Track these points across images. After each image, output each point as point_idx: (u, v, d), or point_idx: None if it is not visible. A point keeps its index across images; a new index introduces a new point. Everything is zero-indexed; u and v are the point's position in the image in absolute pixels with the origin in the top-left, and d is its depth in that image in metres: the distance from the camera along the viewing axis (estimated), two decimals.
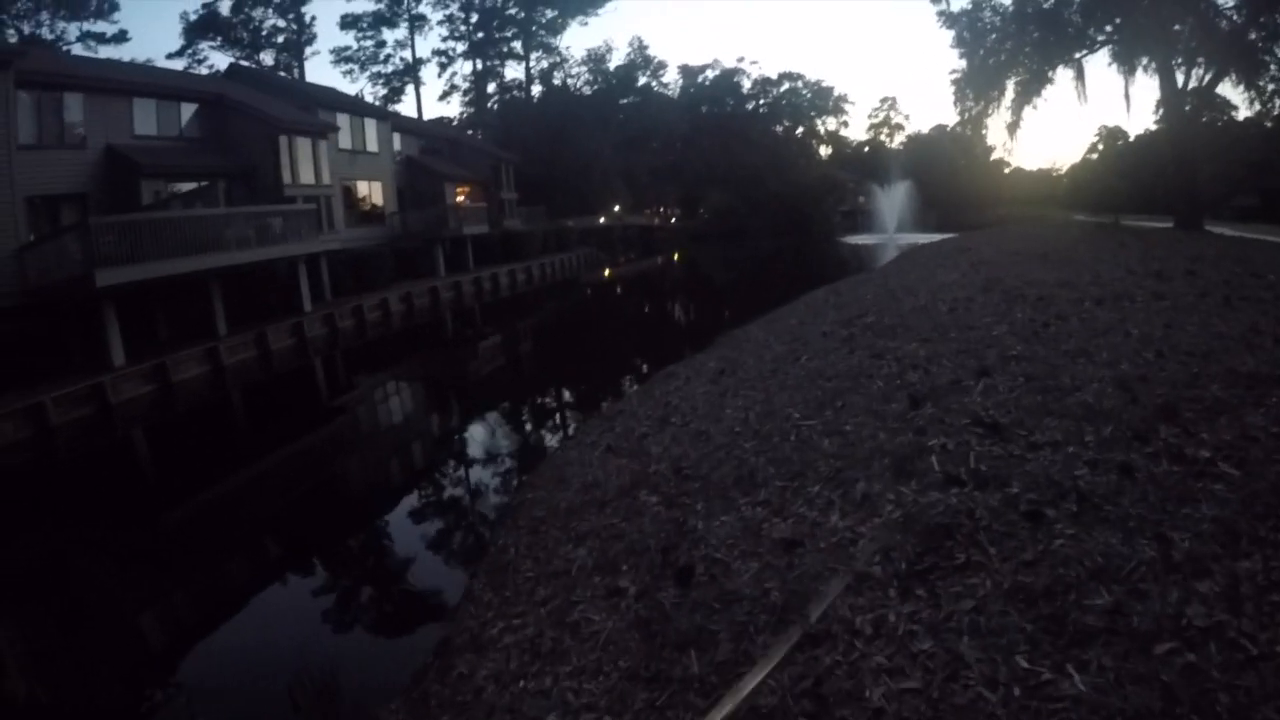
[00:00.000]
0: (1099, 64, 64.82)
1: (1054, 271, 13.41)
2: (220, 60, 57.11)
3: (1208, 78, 28.02)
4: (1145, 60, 29.66)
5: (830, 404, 6.52)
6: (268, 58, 61.97)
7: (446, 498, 10.17)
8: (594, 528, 5.53)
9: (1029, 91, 33.92)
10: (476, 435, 13.56)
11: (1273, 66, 27.05)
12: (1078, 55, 31.83)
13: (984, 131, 37.12)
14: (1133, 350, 6.94)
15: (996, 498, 4.26)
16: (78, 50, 48.65)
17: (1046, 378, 6.20)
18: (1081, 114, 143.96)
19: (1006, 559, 3.75)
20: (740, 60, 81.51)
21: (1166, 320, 8.37)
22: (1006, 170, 75.57)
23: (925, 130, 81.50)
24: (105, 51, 50.90)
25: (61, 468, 12.85)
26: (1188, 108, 28.79)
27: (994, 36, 33.69)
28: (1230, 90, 31.45)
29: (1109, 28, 30.07)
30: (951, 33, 35.05)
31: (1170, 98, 28.76)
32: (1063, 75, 32.76)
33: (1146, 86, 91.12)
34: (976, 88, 35.30)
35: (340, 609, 6.87)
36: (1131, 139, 58.21)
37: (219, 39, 59.69)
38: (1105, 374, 6.19)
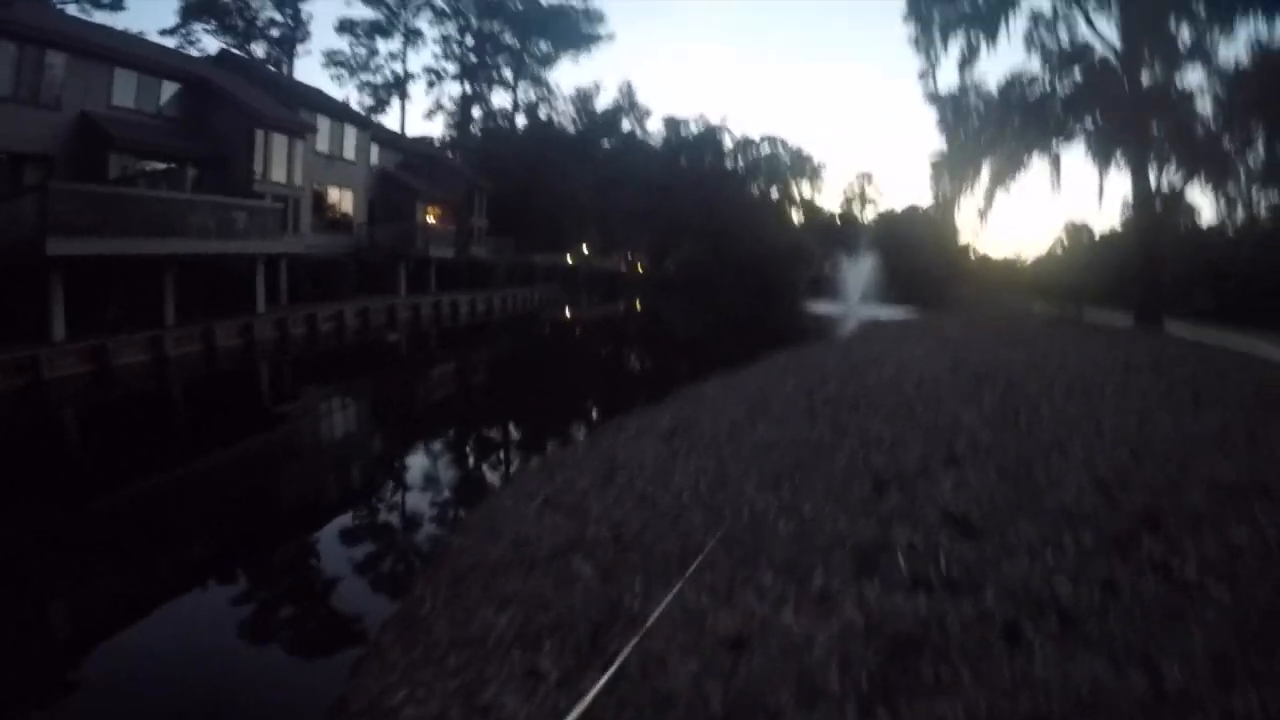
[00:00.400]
0: (1072, 156, 66.61)
1: (1022, 355, 13.24)
2: (213, 45, 56.02)
3: (1179, 179, 28.73)
4: (1119, 154, 30.38)
5: (788, 479, 6.04)
6: (259, 49, 61.10)
7: (377, 524, 9.47)
8: (520, 591, 4.92)
9: (1004, 175, 34.70)
10: (416, 464, 12.92)
11: (1242, 173, 27.80)
12: (1055, 140, 32.53)
13: (957, 211, 37.88)
14: (1108, 448, 6.62)
15: (970, 607, 3.78)
16: (72, 11, 47.02)
17: (1019, 471, 5.81)
18: (1047, 210, 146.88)
19: (981, 682, 3.27)
20: (724, 119, 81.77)
21: (1139, 416, 8.12)
22: (973, 258, 76.88)
23: (898, 210, 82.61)
24: (99, 17, 49.22)
25: None
26: (1158, 209, 29.40)
27: (976, 120, 34.44)
28: (1198, 193, 32.34)
29: (1089, 118, 30.78)
30: (935, 111, 35.83)
31: (1141, 196, 29.33)
32: (1038, 164, 33.55)
33: (1114, 182, 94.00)
34: (954, 168, 36.11)
35: (241, 636, 6.18)
36: (1097, 237, 59.55)
37: (214, 23, 58.60)
38: (1081, 474, 5.82)
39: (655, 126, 75.73)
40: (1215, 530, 4.91)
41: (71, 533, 8.39)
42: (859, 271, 59.54)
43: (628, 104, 73.29)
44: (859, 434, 7.35)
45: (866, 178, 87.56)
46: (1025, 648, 3.49)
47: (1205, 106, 27.99)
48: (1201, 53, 27.55)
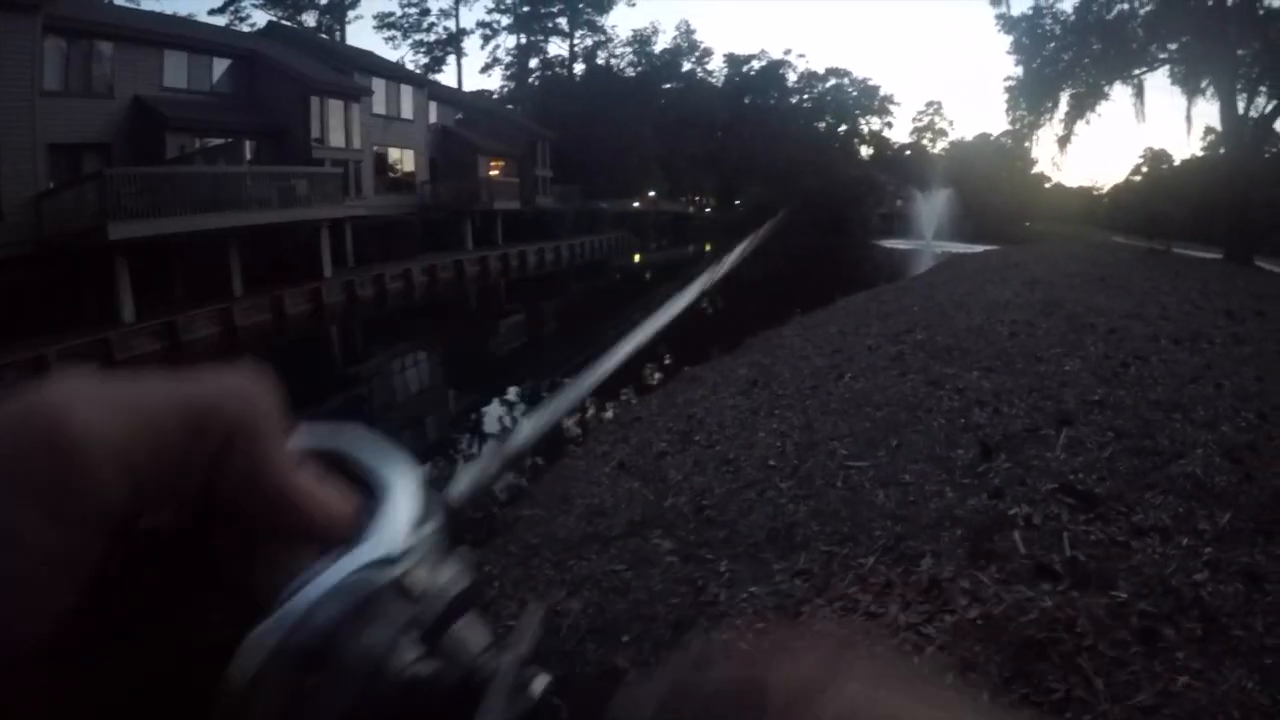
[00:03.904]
0: (1151, 84, 62.97)
1: (1117, 298, 12.38)
2: (263, 19, 55.96)
3: (1269, 108, 26.64)
4: (1206, 83, 28.39)
5: (884, 441, 5.61)
6: (310, 19, 60.76)
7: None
8: (593, 572, 4.63)
9: (1083, 105, 32.94)
10: (490, 420, 12.86)
11: None
12: (1137, 72, 30.67)
13: (1034, 143, 36.28)
14: (1230, 408, 6.00)
15: (1101, 604, 3.31)
16: (120, 1, 47.54)
17: (1140, 435, 5.26)
18: (1123, 134, 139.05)
19: (1118, 698, 2.83)
20: (787, 53, 79.41)
21: (1256, 371, 7.40)
22: (1047, 185, 73.72)
23: (969, 138, 79.52)
24: (148, 4, 49.75)
25: None
26: (1246, 137, 27.36)
27: (1053, 45, 32.59)
28: None
29: (1172, 45, 28.76)
30: (1009, 38, 34.11)
31: (1230, 124, 27.37)
32: (1119, 92, 31.76)
33: (1198, 112, 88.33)
34: (1031, 97, 34.41)
35: None
36: (1177, 163, 56.30)
37: None
38: (1206, 437, 5.25)
39: (717, 65, 74.15)
40: None
41: None
42: (932, 205, 58.13)
43: (686, 44, 71.73)
44: (956, 387, 6.86)
45: (936, 107, 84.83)
46: (1166, 656, 3.02)
47: None
48: None
